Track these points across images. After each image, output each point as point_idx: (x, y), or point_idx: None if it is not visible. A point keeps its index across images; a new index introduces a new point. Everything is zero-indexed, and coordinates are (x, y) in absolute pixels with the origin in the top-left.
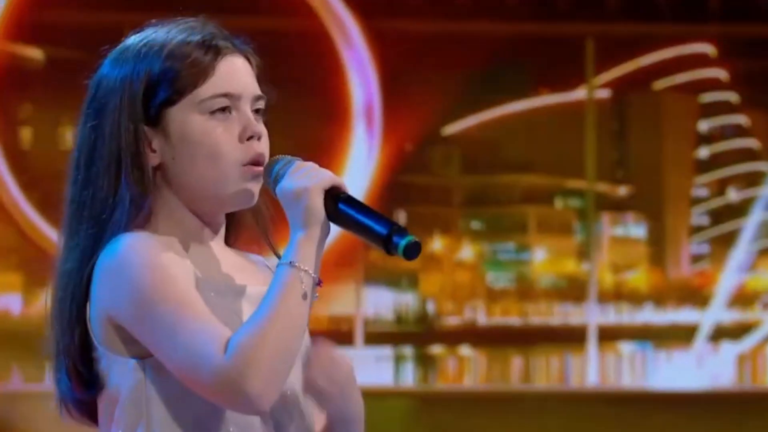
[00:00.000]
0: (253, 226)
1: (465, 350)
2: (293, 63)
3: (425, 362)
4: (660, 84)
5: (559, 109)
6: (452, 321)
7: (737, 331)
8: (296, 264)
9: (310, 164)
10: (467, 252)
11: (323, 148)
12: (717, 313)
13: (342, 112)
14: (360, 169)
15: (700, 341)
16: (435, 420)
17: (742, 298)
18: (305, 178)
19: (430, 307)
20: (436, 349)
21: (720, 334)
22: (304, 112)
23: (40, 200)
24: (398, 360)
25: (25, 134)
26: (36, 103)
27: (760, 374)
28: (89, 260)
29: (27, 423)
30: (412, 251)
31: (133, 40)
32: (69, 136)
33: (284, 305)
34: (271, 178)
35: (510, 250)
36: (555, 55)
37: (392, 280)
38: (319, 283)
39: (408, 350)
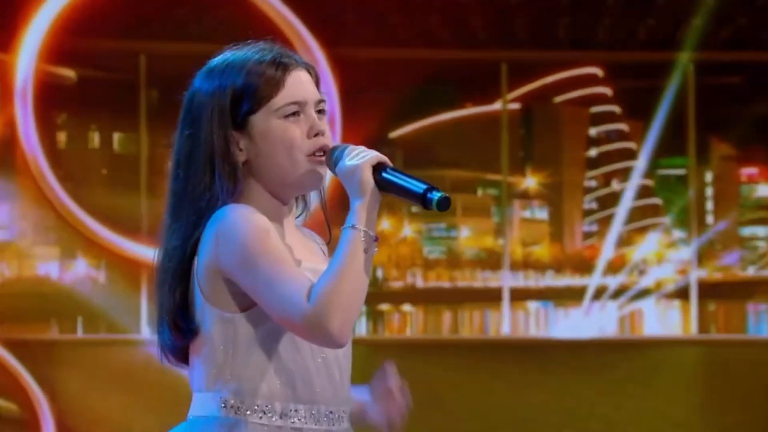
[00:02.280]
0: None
1: (406, 307)
2: None
3: (375, 317)
4: (559, 98)
5: (480, 118)
6: (396, 284)
7: (617, 292)
8: (356, 226)
9: (361, 147)
10: (408, 230)
11: None
12: (602, 278)
13: None
14: None
15: (589, 300)
16: (383, 363)
17: (621, 266)
18: (357, 158)
19: (379, 274)
20: (384, 307)
21: (605, 294)
22: None
23: (72, 190)
24: None
25: (61, 137)
26: (69, 112)
27: (636, 326)
28: (190, 239)
29: (62, 367)
30: (444, 204)
31: (217, 61)
32: (96, 139)
33: (350, 259)
34: (332, 162)
35: (441, 228)
36: (476, 76)
37: None
38: (375, 239)
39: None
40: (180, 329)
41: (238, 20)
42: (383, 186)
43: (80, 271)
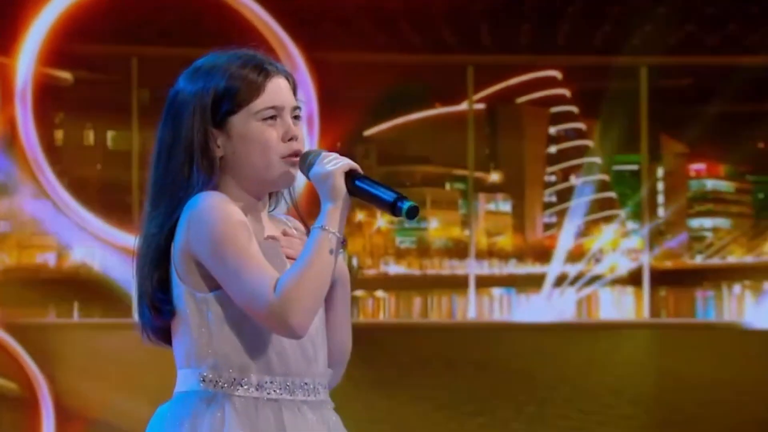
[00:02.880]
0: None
1: (379, 293)
2: None
3: (350, 302)
4: (521, 99)
5: (448, 118)
6: (370, 272)
7: (575, 279)
8: (325, 227)
9: (334, 154)
10: (381, 222)
11: None
12: (561, 266)
13: None
14: None
15: (549, 286)
16: (356, 344)
17: (579, 255)
18: (330, 164)
19: (354, 262)
20: (359, 293)
21: (564, 281)
22: None
23: (69, 183)
24: None
25: (58, 135)
26: (66, 112)
27: (593, 311)
28: (167, 225)
29: (59, 349)
30: (412, 213)
31: (202, 62)
32: (91, 137)
33: (316, 258)
34: (306, 166)
35: (412, 220)
36: (445, 78)
37: None
38: (343, 241)
39: None
40: (159, 310)
41: (223, 26)
42: (355, 193)
43: (76, 260)
